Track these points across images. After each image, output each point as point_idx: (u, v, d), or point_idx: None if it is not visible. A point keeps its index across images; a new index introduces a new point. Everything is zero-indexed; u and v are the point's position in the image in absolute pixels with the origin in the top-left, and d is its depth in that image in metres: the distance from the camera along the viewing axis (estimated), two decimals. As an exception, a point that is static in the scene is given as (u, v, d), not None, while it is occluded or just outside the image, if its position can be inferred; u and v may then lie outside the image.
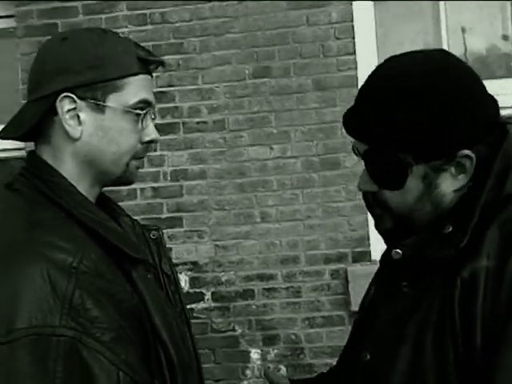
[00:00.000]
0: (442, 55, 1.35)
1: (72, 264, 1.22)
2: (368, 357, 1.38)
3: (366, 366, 1.38)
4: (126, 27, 3.70)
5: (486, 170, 1.28)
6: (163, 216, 3.70)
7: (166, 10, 3.70)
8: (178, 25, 3.70)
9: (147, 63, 1.41)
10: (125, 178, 1.43)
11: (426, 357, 1.25)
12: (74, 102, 1.33)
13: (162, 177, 3.70)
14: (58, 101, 1.33)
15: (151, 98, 1.41)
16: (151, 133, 1.42)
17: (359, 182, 1.39)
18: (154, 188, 3.70)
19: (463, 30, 3.81)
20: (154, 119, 1.44)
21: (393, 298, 1.37)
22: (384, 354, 1.33)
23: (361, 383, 1.39)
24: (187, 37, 3.70)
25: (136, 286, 1.33)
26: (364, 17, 3.70)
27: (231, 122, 3.69)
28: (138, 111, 1.38)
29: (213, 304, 3.70)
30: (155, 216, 3.69)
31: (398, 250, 1.33)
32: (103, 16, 3.72)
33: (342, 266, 3.63)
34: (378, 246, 3.64)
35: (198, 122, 3.70)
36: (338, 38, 3.64)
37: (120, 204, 1.59)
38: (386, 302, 1.39)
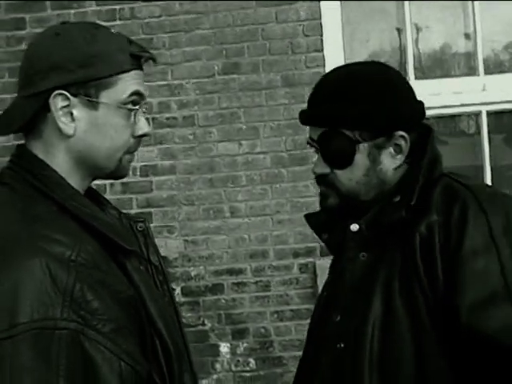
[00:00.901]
0: (383, 65, 1.68)
1: (70, 257, 1.23)
2: (338, 317, 1.53)
3: (337, 326, 1.53)
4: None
5: (419, 156, 1.55)
6: (133, 211, 3.70)
7: (135, 5, 3.71)
8: (147, 20, 3.71)
9: (140, 59, 1.41)
10: (118, 173, 1.44)
11: (397, 304, 1.44)
12: (68, 99, 1.33)
13: (131, 172, 3.70)
14: (51, 98, 1.32)
15: (143, 90, 1.42)
16: (143, 127, 1.42)
17: (313, 167, 1.61)
18: (123, 183, 3.70)
19: (419, 29, 3.88)
20: (145, 113, 1.45)
21: (353, 265, 1.56)
22: (354, 312, 1.50)
23: (335, 338, 1.52)
24: (157, 32, 3.71)
25: (131, 277, 1.34)
26: (332, 15, 3.75)
27: (201, 117, 3.71)
28: (131, 106, 1.39)
29: (182, 299, 3.71)
30: (125, 211, 3.68)
31: (356, 224, 1.54)
32: (72, 11, 3.71)
33: (311, 260, 3.69)
34: (345, 240, 3.70)
35: (167, 118, 3.71)
36: (306, 36, 3.69)
37: (108, 198, 1.60)
38: (346, 271, 1.57)
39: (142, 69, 1.43)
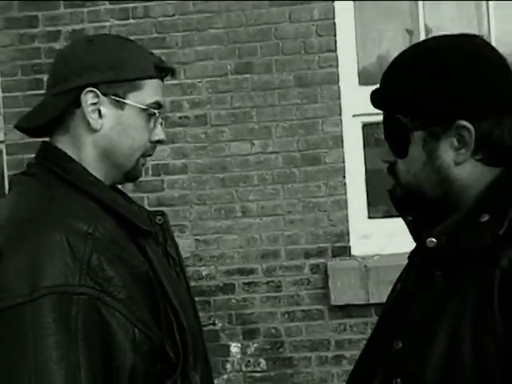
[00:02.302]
0: (469, 39, 1.39)
1: (88, 230, 1.33)
2: (400, 345, 1.36)
3: (398, 354, 1.36)
4: (108, 21, 3.69)
5: (506, 158, 1.32)
6: (144, 210, 3.69)
7: (148, 4, 3.70)
8: (160, 19, 3.71)
9: (161, 70, 1.54)
10: (132, 174, 1.56)
11: (463, 346, 1.24)
12: (97, 96, 1.45)
13: (143, 171, 3.69)
14: (82, 94, 1.44)
15: (163, 101, 1.55)
16: (160, 133, 1.55)
17: (382, 153, 1.45)
18: (135, 182, 3.69)
19: (429, 31, 3.86)
20: (161, 124, 1.58)
21: (425, 287, 1.36)
22: (417, 343, 1.32)
23: (392, 371, 1.36)
24: (170, 31, 3.70)
25: (148, 257, 1.43)
26: (345, 15, 3.74)
27: (213, 117, 3.70)
28: (153, 111, 1.51)
29: (193, 298, 3.71)
30: (136, 210, 3.69)
31: (433, 239, 1.32)
32: (85, 9, 3.71)
33: (322, 260, 3.67)
34: (357, 241, 3.69)
35: (180, 117, 3.71)
36: (319, 35, 3.67)
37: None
38: (418, 291, 1.39)
39: (163, 80, 1.57)
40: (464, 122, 1.28)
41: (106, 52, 1.48)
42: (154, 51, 3.67)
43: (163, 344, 1.38)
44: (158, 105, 1.53)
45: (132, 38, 3.62)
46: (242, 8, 3.68)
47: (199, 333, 1.57)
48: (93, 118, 1.46)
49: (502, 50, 3.92)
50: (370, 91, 1.45)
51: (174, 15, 3.70)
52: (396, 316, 1.44)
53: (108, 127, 1.48)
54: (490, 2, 3.76)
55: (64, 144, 1.49)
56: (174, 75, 1.61)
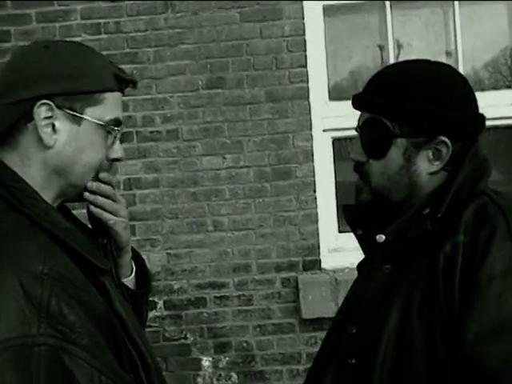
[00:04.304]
0: (451, 69, 1.59)
1: (43, 271, 1.19)
2: (354, 330, 1.50)
3: (352, 338, 1.49)
4: (80, 36, 3.70)
5: (457, 166, 1.48)
6: (116, 224, 3.68)
7: (120, 19, 3.72)
8: (132, 34, 3.72)
9: (121, 81, 1.42)
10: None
11: (413, 327, 1.38)
12: (52, 110, 1.32)
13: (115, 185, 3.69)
14: (35, 107, 1.30)
15: (122, 117, 1.43)
16: (118, 150, 1.44)
17: (352, 153, 1.57)
18: (106, 196, 3.69)
19: (400, 46, 3.92)
20: (119, 139, 1.46)
21: (376, 277, 1.51)
22: (370, 326, 1.46)
23: (347, 353, 1.49)
24: (142, 47, 3.72)
25: (108, 295, 1.33)
26: (315, 31, 3.79)
27: (185, 131, 3.72)
28: (112, 127, 1.39)
29: (165, 312, 3.71)
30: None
31: (382, 235, 1.47)
32: (57, 24, 3.72)
33: (293, 274, 3.70)
34: (327, 254, 3.72)
35: (151, 132, 3.72)
36: (290, 51, 3.71)
37: (73, 212, 1.56)
38: (369, 281, 1.54)
39: (123, 93, 1.45)
40: (445, 139, 1.47)
41: (62, 60, 1.34)
42: (126, 66, 3.71)
43: None
44: (118, 121, 1.40)
45: (104, 53, 3.62)
46: (213, 24, 3.71)
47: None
48: (46, 133, 1.32)
49: (469, 66, 3.97)
50: (353, 95, 1.58)
51: (145, 30, 3.72)
52: (349, 304, 1.59)
53: (62, 143, 1.33)
54: (457, 20, 3.83)
55: (11, 160, 1.33)
56: (136, 86, 1.46)
